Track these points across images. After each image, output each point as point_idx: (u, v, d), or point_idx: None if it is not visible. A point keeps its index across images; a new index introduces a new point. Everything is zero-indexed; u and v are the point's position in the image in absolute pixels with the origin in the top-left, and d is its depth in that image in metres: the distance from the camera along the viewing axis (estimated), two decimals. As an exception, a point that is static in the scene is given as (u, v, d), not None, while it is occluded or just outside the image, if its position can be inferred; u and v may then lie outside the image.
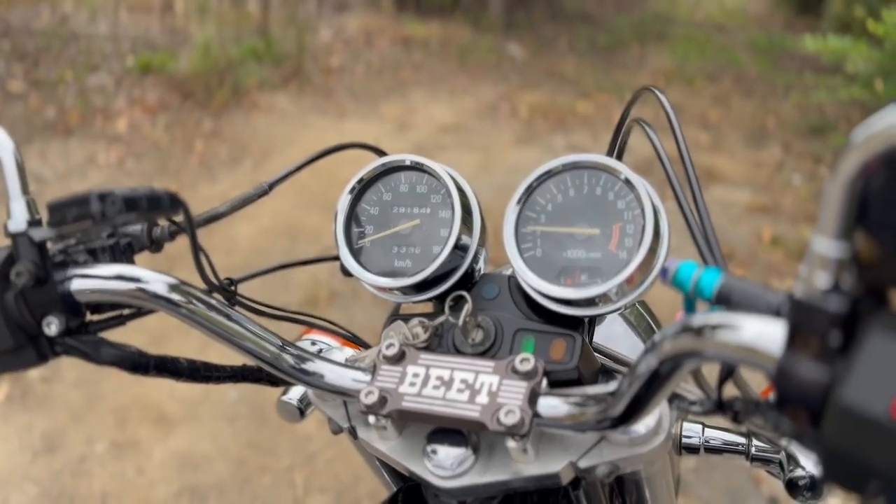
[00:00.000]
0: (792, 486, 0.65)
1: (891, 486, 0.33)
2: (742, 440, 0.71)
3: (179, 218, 0.56)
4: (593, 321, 0.74)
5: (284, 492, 2.18)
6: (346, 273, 0.70)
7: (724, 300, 0.44)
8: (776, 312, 0.40)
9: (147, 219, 0.53)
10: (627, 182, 0.63)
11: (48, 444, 2.36)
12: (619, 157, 0.76)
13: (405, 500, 0.66)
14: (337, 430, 0.67)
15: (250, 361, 0.63)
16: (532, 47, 7.38)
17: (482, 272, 0.72)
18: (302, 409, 0.80)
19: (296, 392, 0.80)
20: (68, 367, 2.66)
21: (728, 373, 0.46)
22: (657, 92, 0.68)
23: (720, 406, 0.47)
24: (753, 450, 0.70)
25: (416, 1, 7.83)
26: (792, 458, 0.66)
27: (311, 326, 0.77)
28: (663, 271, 0.47)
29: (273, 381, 0.71)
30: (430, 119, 5.16)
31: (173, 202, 0.52)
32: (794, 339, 0.36)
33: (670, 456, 0.70)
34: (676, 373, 0.46)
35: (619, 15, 9.50)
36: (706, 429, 0.72)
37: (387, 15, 7.51)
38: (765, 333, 0.38)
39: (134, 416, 2.47)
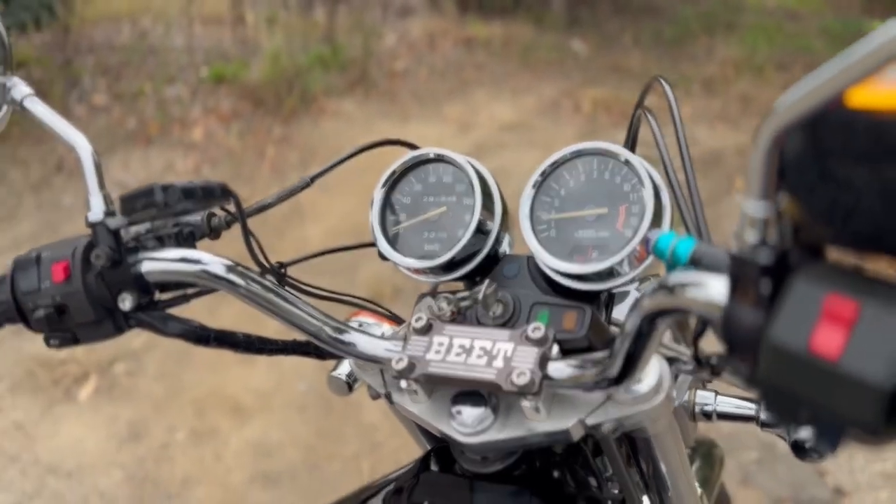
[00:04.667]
0: (797, 448, 0.69)
1: (816, 412, 0.38)
2: (753, 406, 0.75)
3: (232, 207, 0.65)
4: (612, 299, 0.79)
5: (352, 478, 2.28)
6: (383, 257, 0.78)
7: (696, 264, 0.50)
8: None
9: (202, 206, 0.62)
10: (632, 165, 0.68)
11: (133, 432, 2.53)
12: (633, 145, 0.82)
13: (437, 457, 0.74)
14: (375, 396, 0.75)
15: (298, 335, 0.71)
16: (595, 43, 7.35)
17: (506, 254, 0.79)
18: (350, 383, 0.88)
19: (343, 368, 0.88)
20: (151, 362, 2.83)
21: (702, 329, 0.52)
22: (663, 82, 0.73)
23: (698, 361, 0.52)
24: (763, 415, 0.74)
25: (478, 2, 7.89)
26: (798, 422, 0.70)
27: (355, 306, 0.85)
28: (645, 241, 0.52)
29: (320, 355, 0.79)
30: (491, 118, 5.22)
31: (224, 192, 0.61)
32: (735, 290, 0.41)
33: (682, 421, 0.75)
34: (656, 329, 0.52)
35: (686, 6, 9.34)
36: (718, 396, 0.77)
37: (450, 17, 7.60)
38: (717, 288, 0.44)
39: (211, 407, 2.61)
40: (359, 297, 0.84)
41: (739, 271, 0.41)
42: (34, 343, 2.87)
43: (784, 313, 0.38)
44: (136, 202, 0.58)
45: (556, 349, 0.66)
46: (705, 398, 0.76)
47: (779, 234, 0.39)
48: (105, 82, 5.31)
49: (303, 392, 2.63)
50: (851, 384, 0.35)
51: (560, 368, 0.62)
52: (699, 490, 0.85)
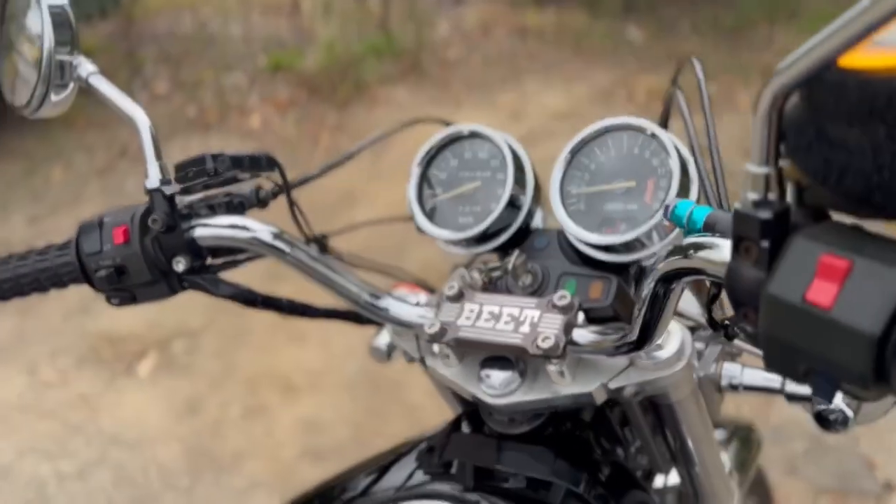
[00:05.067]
0: (820, 419, 0.70)
1: (812, 363, 0.40)
2: (779, 378, 0.77)
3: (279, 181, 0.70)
4: (642, 274, 0.81)
5: (397, 456, 2.34)
6: (420, 230, 0.82)
7: (710, 229, 0.52)
8: None
9: (249, 174, 0.66)
10: (659, 138, 0.71)
11: (190, 407, 2.63)
12: (665, 121, 0.84)
13: (468, 419, 0.77)
14: (410, 360, 0.79)
15: (339, 300, 0.75)
16: (651, 30, 7.24)
17: (538, 228, 0.82)
18: (389, 351, 0.93)
19: (383, 338, 0.92)
20: (208, 341, 2.93)
21: (717, 292, 0.54)
22: (695, 62, 0.75)
23: (713, 324, 0.55)
24: (788, 388, 0.76)
25: (533, -11, 7.84)
26: (822, 394, 0.71)
27: (392, 276, 0.89)
28: (665, 209, 0.55)
29: (359, 320, 0.83)
30: (543, 107, 5.21)
31: (269, 162, 0.66)
32: (738, 247, 0.44)
33: (709, 392, 0.77)
34: (672, 292, 0.54)
35: (747, -7, 9.12)
36: (745, 369, 0.79)
37: (503, 5, 7.57)
38: (725, 248, 0.46)
39: (264, 385, 2.70)
40: (396, 268, 0.88)
41: (742, 229, 0.43)
42: (98, 320, 3.02)
43: (783, 270, 0.40)
44: (189, 169, 0.64)
45: (581, 317, 0.68)
46: (732, 370, 0.78)
47: (779, 192, 0.42)
48: (166, 71, 5.46)
49: (352, 373, 2.69)
50: (843, 331, 0.37)
51: (584, 334, 0.65)
52: (728, 466, 0.87)
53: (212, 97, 5.18)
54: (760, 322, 0.42)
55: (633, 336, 0.60)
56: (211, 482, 2.34)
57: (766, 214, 0.42)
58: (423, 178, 0.82)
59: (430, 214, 0.81)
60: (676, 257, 0.52)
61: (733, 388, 0.78)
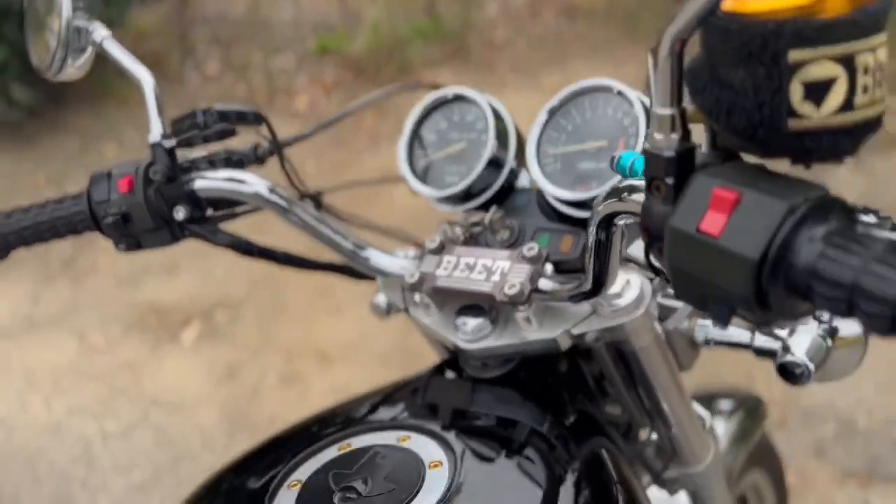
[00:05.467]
0: (783, 371, 0.73)
1: (708, 291, 0.43)
2: (748, 333, 0.79)
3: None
4: None
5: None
6: (411, 189, 0.86)
7: None
8: None
9: (238, 126, 0.72)
10: (626, 97, 0.74)
11: (229, 374, 2.74)
12: (649, 87, 0.86)
13: (449, 365, 0.82)
14: (398, 310, 0.85)
15: (329, 251, 0.80)
16: (704, 12, 7.12)
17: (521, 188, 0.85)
18: (388, 308, 0.98)
19: (383, 295, 0.98)
20: (249, 313, 3.03)
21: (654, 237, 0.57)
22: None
23: (652, 267, 0.58)
24: (756, 342, 0.78)
25: (584, -29, 7.75)
26: (786, 349, 0.74)
27: (384, 233, 0.94)
28: (611, 160, 0.58)
29: (353, 274, 0.88)
30: (588, 88, 5.18)
31: (256, 117, 0.71)
32: (650, 185, 0.47)
33: (680, 345, 0.80)
34: (613, 234, 0.58)
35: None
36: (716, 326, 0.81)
37: (553, -14, 7.52)
38: (643, 188, 0.50)
39: (300, 355, 2.79)
40: (395, 228, 0.93)
41: (651, 168, 0.47)
42: (146, 291, 3.15)
43: (683, 204, 0.44)
44: (183, 123, 0.70)
45: (549, 268, 0.72)
46: (704, 325, 0.81)
47: (682, 133, 0.45)
48: (218, 53, 5.60)
49: (385, 346, 2.76)
50: (728, 257, 0.41)
51: (548, 283, 0.69)
52: (707, 422, 0.90)
53: (261, 79, 5.30)
54: (665, 253, 0.45)
55: (589, 283, 0.64)
56: (247, 443, 2.43)
57: (670, 153, 0.45)
58: (416, 140, 0.87)
59: (423, 174, 0.86)
60: (612, 200, 0.55)
61: (706, 342, 0.81)
